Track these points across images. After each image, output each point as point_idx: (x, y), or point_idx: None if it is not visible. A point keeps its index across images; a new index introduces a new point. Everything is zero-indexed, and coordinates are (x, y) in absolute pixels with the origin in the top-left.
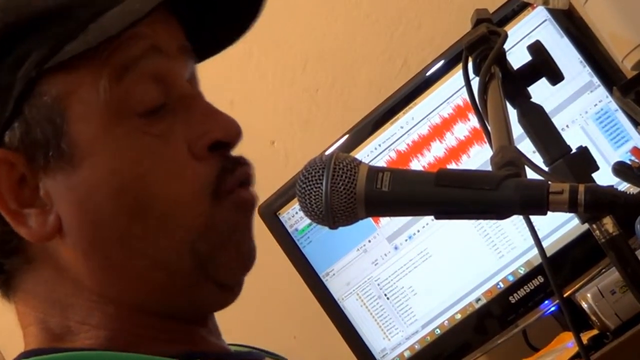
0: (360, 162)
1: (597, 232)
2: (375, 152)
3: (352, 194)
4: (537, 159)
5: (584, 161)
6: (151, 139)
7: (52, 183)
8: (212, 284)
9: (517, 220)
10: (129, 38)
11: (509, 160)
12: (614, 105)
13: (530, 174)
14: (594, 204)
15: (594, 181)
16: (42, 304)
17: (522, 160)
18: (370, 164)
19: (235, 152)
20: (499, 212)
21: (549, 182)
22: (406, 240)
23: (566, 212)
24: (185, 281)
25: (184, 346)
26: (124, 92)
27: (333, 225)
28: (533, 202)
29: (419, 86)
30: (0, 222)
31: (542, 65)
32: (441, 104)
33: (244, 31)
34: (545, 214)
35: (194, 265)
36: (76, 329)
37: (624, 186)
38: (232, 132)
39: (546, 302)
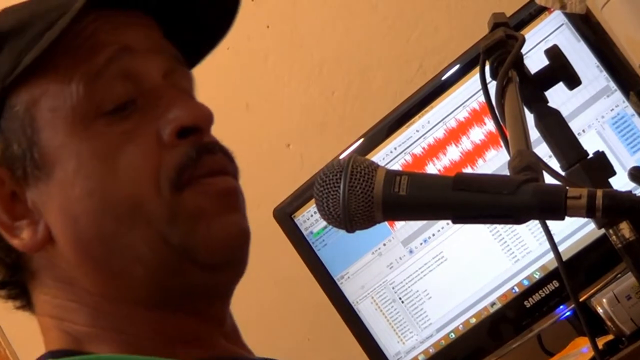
0: (378, 165)
1: (614, 237)
2: (391, 156)
3: (369, 198)
4: (554, 164)
5: (601, 166)
6: (117, 137)
7: (36, 193)
8: (197, 268)
9: (532, 224)
10: (94, 46)
11: (527, 165)
12: (630, 110)
13: (548, 179)
14: (612, 209)
15: (611, 186)
16: (54, 311)
17: (540, 164)
18: (387, 167)
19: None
20: (516, 216)
21: (567, 187)
22: (421, 243)
23: (584, 217)
24: (166, 272)
25: (204, 350)
26: (91, 95)
27: (350, 229)
28: (551, 207)
29: (435, 90)
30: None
31: (560, 69)
32: (457, 108)
33: (223, 34)
34: (563, 219)
35: (171, 255)
36: (90, 333)
37: None
38: (199, 116)
39: (561, 306)
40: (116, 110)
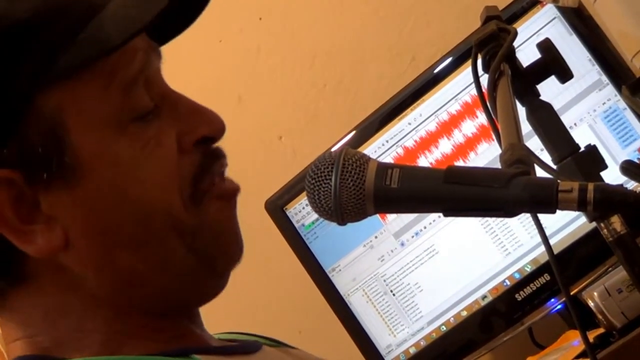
0: (370, 158)
1: (605, 230)
2: (383, 149)
3: (361, 190)
4: (545, 157)
5: (593, 160)
6: (146, 143)
7: (55, 197)
8: (214, 276)
9: (523, 217)
10: (131, 51)
11: (518, 158)
12: (622, 104)
13: (540, 172)
14: (603, 202)
15: (602, 180)
16: (34, 319)
17: (531, 158)
18: (378, 160)
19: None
20: (508, 209)
21: (558, 181)
22: (413, 236)
23: (575, 210)
24: (189, 281)
25: (179, 344)
26: (128, 102)
27: (342, 221)
28: (542, 201)
29: (427, 83)
30: None
31: (552, 63)
32: (449, 101)
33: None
34: (554, 212)
35: (196, 264)
36: (68, 337)
37: (631, 185)
38: (217, 128)
39: (552, 300)
40: (141, 117)
